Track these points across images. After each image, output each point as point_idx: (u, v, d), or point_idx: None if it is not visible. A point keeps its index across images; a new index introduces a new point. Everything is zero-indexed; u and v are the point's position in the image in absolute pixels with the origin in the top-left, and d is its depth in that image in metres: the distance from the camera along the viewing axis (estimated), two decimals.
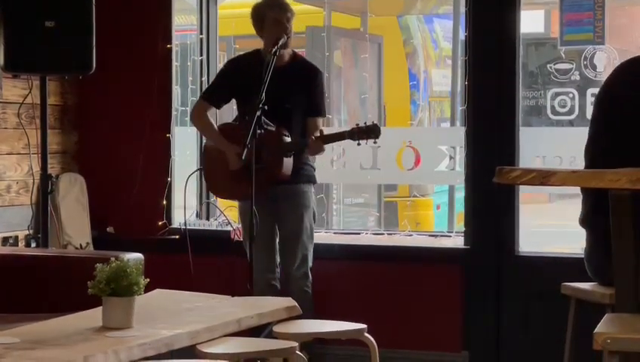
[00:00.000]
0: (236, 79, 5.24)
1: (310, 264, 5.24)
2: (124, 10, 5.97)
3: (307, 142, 5.12)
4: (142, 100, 5.97)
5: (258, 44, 5.33)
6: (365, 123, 5.09)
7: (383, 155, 5.86)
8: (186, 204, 5.70)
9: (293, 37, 5.20)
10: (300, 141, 5.16)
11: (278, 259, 5.26)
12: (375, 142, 5.16)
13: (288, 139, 5.13)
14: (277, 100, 4.97)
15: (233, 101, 5.41)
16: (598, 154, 3.72)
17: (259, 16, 5.23)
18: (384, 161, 5.87)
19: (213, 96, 5.34)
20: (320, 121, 5.25)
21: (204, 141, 5.71)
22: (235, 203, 5.56)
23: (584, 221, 3.86)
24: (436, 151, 5.94)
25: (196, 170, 5.86)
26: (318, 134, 5.14)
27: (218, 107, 5.40)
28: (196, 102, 5.46)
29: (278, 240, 5.27)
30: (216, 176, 5.30)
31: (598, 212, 3.09)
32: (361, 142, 5.08)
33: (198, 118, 5.36)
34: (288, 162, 5.11)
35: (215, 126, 5.35)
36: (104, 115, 6.12)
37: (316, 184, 5.38)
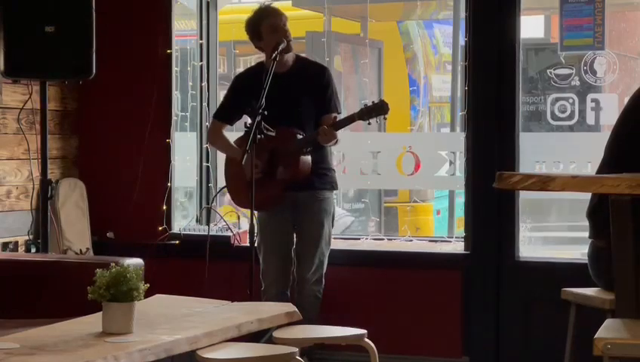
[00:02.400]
0: (244, 94, 5.24)
1: (324, 270, 5.24)
2: (124, 15, 5.97)
3: (317, 132, 5.11)
4: (142, 105, 5.97)
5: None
6: (373, 101, 5.09)
7: (383, 161, 5.86)
8: (209, 220, 5.74)
9: (293, 41, 5.20)
10: (310, 134, 5.14)
11: (291, 268, 5.24)
12: (385, 118, 5.14)
13: (301, 137, 5.13)
14: (290, 105, 4.99)
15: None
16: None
17: (255, 28, 5.22)
18: (384, 166, 5.88)
19: (224, 114, 5.40)
20: (335, 117, 5.22)
21: (221, 156, 5.74)
22: (234, 207, 5.56)
23: (591, 214, 3.87)
24: (436, 156, 5.95)
25: (222, 188, 5.84)
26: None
27: (231, 124, 5.46)
28: (210, 123, 5.50)
29: (294, 247, 5.25)
30: (238, 188, 5.26)
31: (604, 206, 3.09)
32: (371, 121, 5.08)
33: (214, 137, 5.45)
34: (306, 160, 5.10)
35: (228, 139, 5.36)
36: (104, 120, 6.12)
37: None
